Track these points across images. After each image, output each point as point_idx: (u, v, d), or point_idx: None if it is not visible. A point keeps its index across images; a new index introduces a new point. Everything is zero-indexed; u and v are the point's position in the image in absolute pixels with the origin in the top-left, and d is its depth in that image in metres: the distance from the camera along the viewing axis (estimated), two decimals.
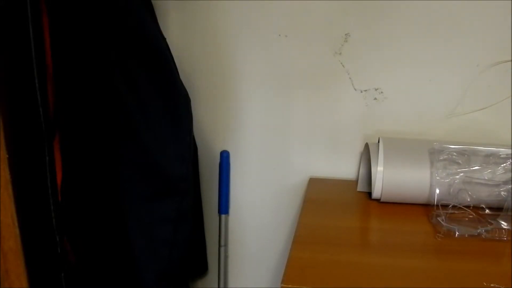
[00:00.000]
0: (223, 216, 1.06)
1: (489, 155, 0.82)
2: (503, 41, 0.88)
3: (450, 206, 0.80)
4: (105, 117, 0.76)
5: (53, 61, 0.73)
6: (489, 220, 0.79)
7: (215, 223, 1.08)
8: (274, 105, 0.99)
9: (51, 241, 0.74)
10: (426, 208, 0.83)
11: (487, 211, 0.81)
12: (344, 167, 1.00)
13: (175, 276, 0.88)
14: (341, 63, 0.94)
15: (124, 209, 0.80)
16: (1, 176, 0.67)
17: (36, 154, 0.71)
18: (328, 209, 0.85)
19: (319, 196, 0.90)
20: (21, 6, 0.65)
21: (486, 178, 0.80)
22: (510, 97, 0.91)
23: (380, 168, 0.83)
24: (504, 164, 0.81)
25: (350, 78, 0.95)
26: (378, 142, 0.88)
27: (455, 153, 0.82)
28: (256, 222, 1.08)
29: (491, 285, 0.63)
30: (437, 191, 0.80)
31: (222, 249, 1.08)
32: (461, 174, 0.81)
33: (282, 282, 0.62)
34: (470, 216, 0.80)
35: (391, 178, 0.83)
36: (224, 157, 1.02)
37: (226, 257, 1.09)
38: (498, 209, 0.80)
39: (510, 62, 0.90)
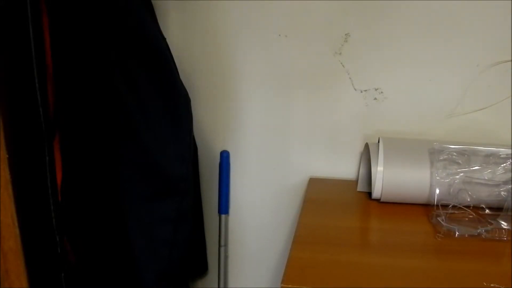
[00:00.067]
0: (223, 216, 1.06)
1: (489, 155, 0.82)
2: (503, 41, 0.88)
3: (450, 206, 0.80)
4: (105, 117, 0.76)
5: (53, 61, 0.73)
6: (489, 220, 0.79)
7: (215, 223, 1.08)
8: (274, 105, 0.99)
9: (51, 241, 0.74)
10: (426, 208, 0.83)
11: (487, 211, 0.81)
12: (344, 167, 1.00)
13: (175, 276, 0.88)
14: (341, 63, 0.94)
15: (124, 209, 0.80)
16: (1, 176, 0.67)
17: (36, 154, 0.71)
18: (328, 209, 0.85)
19: (319, 196, 0.90)
20: (21, 6, 0.65)
21: (486, 178, 0.80)
22: (510, 97, 0.91)
23: (380, 168, 0.83)
24: (504, 164, 0.81)
25: (350, 78, 0.95)
26: (378, 142, 0.88)
27: (455, 153, 0.82)
28: (256, 222, 1.08)
29: (491, 285, 0.63)
30: (437, 191, 0.81)
31: (222, 249, 1.08)
32: (461, 174, 0.81)
33: (282, 282, 0.62)
34: (470, 216, 0.80)
35: (391, 178, 0.83)
36: (224, 157, 1.02)
37: (226, 257, 1.09)
38: (498, 209, 0.80)
39: (510, 62, 0.90)
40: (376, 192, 0.85)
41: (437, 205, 0.80)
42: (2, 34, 0.65)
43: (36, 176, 0.71)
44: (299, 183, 1.03)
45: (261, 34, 0.95)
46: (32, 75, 0.68)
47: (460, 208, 0.80)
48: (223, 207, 1.05)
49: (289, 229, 1.06)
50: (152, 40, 0.79)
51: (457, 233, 0.75)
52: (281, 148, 1.02)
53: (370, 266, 0.67)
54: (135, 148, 0.79)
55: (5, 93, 0.67)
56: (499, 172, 0.80)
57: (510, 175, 0.80)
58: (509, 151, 0.83)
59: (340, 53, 0.94)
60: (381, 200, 0.85)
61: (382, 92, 0.95)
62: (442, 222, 0.77)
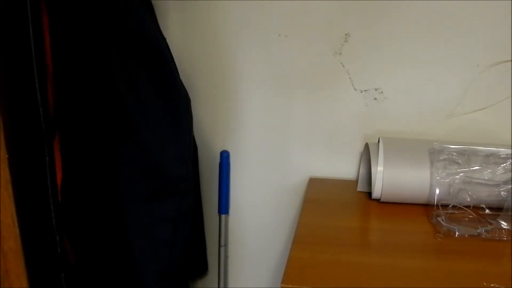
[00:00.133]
0: (223, 216, 1.06)
1: (489, 155, 0.82)
2: (503, 41, 0.88)
3: (450, 206, 0.80)
4: (105, 117, 0.76)
5: (53, 61, 0.73)
6: (489, 220, 0.79)
7: (215, 223, 1.08)
8: (274, 105, 0.99)
9: (51, 241, 0.74)
10: (426, 208, 0.83)
11: (487, 211, 0.81)
12: (344, 167, 1.00)
13: (175, 276, 0.88)
14: (341, 63, 0.94)
15: (124, 209, 0.80)
16: (1, 176, 0.67)
17: (36, 154, 0.71)
18: (328, 209, 0.85)
19: (319, 196, 0.90)
20: (21, 6, 0.65)
21: (486, 178, 0.80)
22: (510, 97, 0.91)
23: (380, 168, 0.83)
24: (504, 164, 0.81)
25: (350, 78, 0.95)
26: (378, 142, 0.88)
27: (455, 153, 0.82)
28: (256, 222, 1.08)
29: (491, 285, 0.63)
30: (437, 191, 0.80)
31: (222, 249, 1.08)
32: (461, 174, 0.81)
33: (282, 282, 0.62)
34: (470, 216, 0.80)
35: (391, 178, 0.83)
36: (224, 157, 1.02)
37: (226, 257, 1.09)
38: (498, 209, 0.80)
39: (510, 62, 0.90)
40: (376, 192, 0.85)
41: (437, 205, 0.80)
42: (2, 34, 0.65)
43: (36, 176, 0.71)
44: (299, 183, 1.03)
45: (261, 34, 0.95)
46: (32, 75, 0.68)
47: (460, 208, 0.80)
48: (223, 207, 1.05)
49: (289, 229, 1.06)
50: (152, 40, 0.79)
51: (457, 233, 0.75)
52: (281, 148, 1.02)
53: (370, 266, 0.67)
54: (135, 148, 0.79)
55: (5, 93, 0.67)
56: (499, 172, 0.80)
57: (510, 175, 0.80)
58: (509, 151, 0.83)
59: (340, 53, 0.94)
60: (381, 200, 0.85)
61: (382, 92, 0.95)
62: (442, 222, 0.77)
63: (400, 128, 0.96)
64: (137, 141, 0.79)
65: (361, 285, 0.63)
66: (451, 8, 0.88)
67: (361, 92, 0.95)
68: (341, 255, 0.69)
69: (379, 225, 0.82)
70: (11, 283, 0.71)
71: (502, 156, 0.82)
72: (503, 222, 0.77)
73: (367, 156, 0.93)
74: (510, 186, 0.79)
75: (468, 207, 0.80)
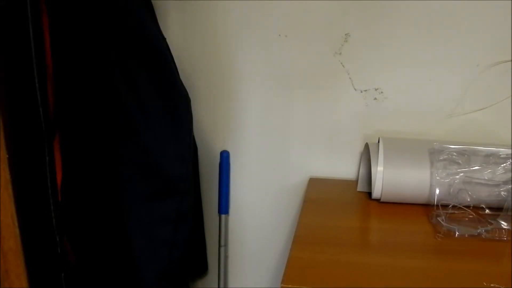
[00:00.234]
0: (223, 216, 1.06)
1: (489, 155, 0.82)
2: (503, 41, 0.88)
3: (450, 206, 0.80)
4: (105, 117, 0.76)
5: (53, 61, 0.73)
6: (489, 220, 0.79)
7: (215, 223, 1.08)
8: (274, 105, 0.99)
9: (51, 241, 0.74)
10: (426, 208, 0.83)
11: (487, 211, 0.81)
12: (344, 167, 1.00)
13: (175, 276, 0.88)
14: (341, 63, 0.94)
15: (124, 209, 0.80)
16: (1, 176, 0.67)
17: (36, 154, 0.71)
18: (328, 209, 0.85)
19: (319, 196, 0.90)
20: (21, 6, 0.65)
21: (486, 178, 0.80)
22: (510, 97, 0.91)
23: (380, 168, 0.83)
24: (504, 164, 0.81)
25: (350, 78, 0.95)
26: (378, 142, 0.88)
27: (455, 153, 0.82)
28: (256, 222, 1.08)
29: (491, 285, 0.63)
30: (437, 191, 0.80)
31: (222, 249, 1.08)
32: (461, 174, 0.81)
33: (282, 282, 0.62)
34: (470, 216, 0.80)
35: (391, 178, 0.83)
36: (224, 157, 1.02)
37: (226, 257, 1.09)
38: (498, 209, 0.80)
39: (510, 62, 0.90)
40: (376, 192, 0.85)
41: (437, 205, 0.80)
42: (2, 34, 0.65)
43: (36, 176, 0.71)
44: (299, 183, 1.03)
45: (261, 34, 0.95)
46: (32, 75, 0.68)
47: (460, 208, 0.80)
48: (223, 207, 1.05)
49: (289, 229, 1.06)
50: (152, 40, 0.79)
51: (457, 233, 0.75)
52: (281, 148, 1.02)
53: (370, 266, 0.67)
54: (135, 148, 0.79)
55: (5, 93, 0.67)
56: (499, 172, 0.80)
57: (510, 175, 0.80)
58: (509, 151, 0.83)
59: (340, 53, 0.94)
60: (381, 200, 0.85)
61: (382, 92, 0.95)
62: (442, 222, 0.77)
63: (400, 128, 0.96)
64: (137, 141, 0.79)
65: (361, 285, 0.63)
66: (451, 8, 0.88)
67: (361, 92, 0.95)
68: (341, 255, 0.69)
69: (379, 225, 0.82)
70: (11, 283, 0.71)
71: (502, 156, 0.82)
72: (503, 222, 0.77)
73: (367, 156, 0.93)
74: (510, 186, 0.79)
75: (468, 207, 0.80)
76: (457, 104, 0.93)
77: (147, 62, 0.78)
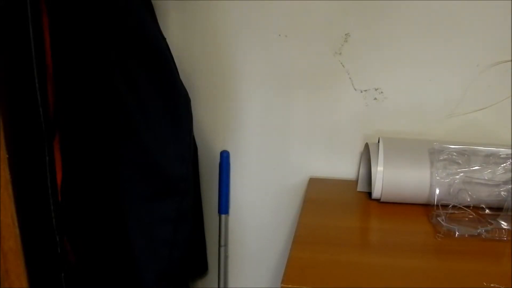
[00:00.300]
0: (223, 216, 1.06)
1: (489, 155, 0.82)
2: (503, 41, 0.88)
3: (450, 206, 0.80)
4: (105, 117, 0.76)
5: (53, 61, 0.73)
6: (489, 220, 0.79)
7: (215, 223, 1.08)
8: (274, 105, 0.99)
9: (51, 241, 0.74)
10: (426, 208, 0.83)
11: (487, 211, 0.81)
12: (344, 167, 1.00)
13: (175, 276, 0.88)
14: (341, 63, 0.94)
15: (124, 209, 0.80)
16: (1, 176, 0.67)
17: (36, 154, 0.71)
18: (328, 209, 0.85)
19: (319, 196, 0.90)
20: (21, 6, 0.65)
21: (486, 178, 0.80)
22: (510, 97, 0.91)
23: (380, 168, 0.83)
24: (504, 164, 0.81)
25: (350, 78, 0.95)
26: (378, 142, 0.88)
27: (455, 153, 0.82)
28: (256, 222, 1.08)
29: (491, 285, 0.63)
30: (437, 191, 0.80)
31: (222, 249, 1.08)
32: (461, 174, 0.81)
33: (282, 282, 0.62)
34: (470, 216, 0.80)
35: (391, 178, 0.83)
36: (224, 157, 1.02)
37: (226, 257, 1.09)
38: (498, 209, 0.80)
39: (510, 62, 0.90)
40: (376, 192, 0.85)
41: (437, 205, 0.80)
42: (2, 34, 0.65)
43: (36, 176, 0.71)
44: (299, 183, 1.03)
45: (261, 34, 0.95)
46: (32, 75, 0.68)
47: (460, 208, 0.80)
48: (223, 207, 1.05)
49: (289, 229, 1.06)
50: (152, 40, 0.79)
51: (457, 233, 0.75)
52: (281, 148, 1.02)
53: (370, 266, 0.67)
54: (135, 148, 0.79)
55: (5, 93, 0.67)
56: (499, 172, 0.80)
57: (510, 175, 0.80)
58: (509, 151, 0.83)
59: (340, 53, 0.94)
60: (381, 200, 0.85)
61: (382, 92, 0.95)
62: (442, 222, 0.77)
63: (400, 128, 0.96)
64: (137, 141, 0.79)
65: (361, 285, 0.63)
66: (451, 8, 0.88)
67: (361, 92, 0.95)
68: (341, 255, 0.69)
69: (379, 225, 0.82)
70: (11, 283, 0.71)
71: (502, 156, 0.82)
72: (503, 222, 0.77)
73: (367, 156, 0.93)
74: (510, 186, 0.79)
75: (468, 207, 0.80)
76: (457, 104, 0.93)
77: (147, 62, 0.78)
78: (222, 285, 1.11)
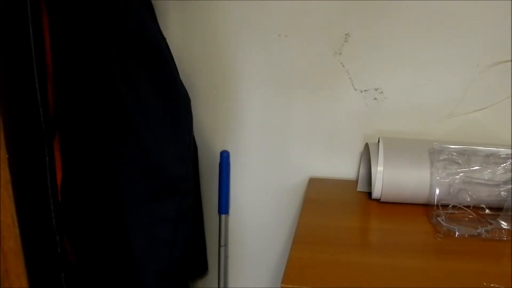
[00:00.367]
0: (223, 216, 1.06)
1: (489, 155, 0.82)
2: (503, 41, 0.88)
3: (450, 206, 0.80)
4: (105, 117, 0.76)
5: (53, 61, 0.73)
6: (489, 220, 0.79)
7: (215, 223, 1.08)
8: (274, 105, 0.99)
9: (51, 241, 0.74)
10: (426, 208, 0.83)
11: (487, 211, 0.81)
12: (344, 167, 1.00)
13: (175, 276, 0.88)
14: (341, 63, 0.94)
15: (124, 209, 0.80)
16: (1, 176, 0.67)
17: (36, 154, 0.71)
18: (328, 209, 0.85)
19: (319, 196, 0.90)
20: (21, 6, 0.65)
21: (486, 178, 0.80)
22: (510, 97, 0.91)
23: (380, 168, 0.83)
24: (504, 164, 0.81)
25: (350, 78, 0.95)
26: (378, 142, 0.88)
27: (455, 153, 0.82)
28: (256, 222, 1.08)
29: (491, 285, 0.63)
30: (437, 191, 0.80)
31: (222, 249, 1.08)
32: (461, 174, 0.81)
33: (282, 282, 0.62)
34: (470, 216, 0.80)
35: (391, 178, 0.83)
36: (224, 157, 1.02)
37: (226, 257, 1.09)
38: (498, 209, 0.80)
39: (510, 62, 0.90)
40: (376, 192, 0.85)
41: (437, 205, 0.80)
42: (2, 34, 0.65)
43: (36, 176, 0.71)
44: (299, 183, 1.03)
45: (261, 34, 0.95)
46: (32, 75, 0.68)
47: (460, 208, 0.80)
48: (223, 207, 1.05)
49: (289, 229, 1.06)
50: (152, 40, 0.79)
51: (457, 233, 0.75)
52: (281, 148, 1.02)
53: (370, 266, 0.67)
54: (135, 148, 0.79)
55: (5, 93, 0.67)
56: (499, 172, 0.80)
57: (510, 175, 0.80)
58: (509, 151, 0.83)
59: (340, 53, 0.94)
60: (381, 200, 0.85)
61: (382, 92, 0.95)
62: (442, 222, 0.77)
63: (400, 128, 0.96)
64: (137, 141, 0.79)
65: (361, 285, 0.63)
66: (451, 8, 0.88)
67: (361, 92, 0.95)
68: (341, 255, 0.69)
69: (379, 225, 0.82)
70: (11, 283, 0.71)
71: (502, 156, 0.82)
72: (503, 222, 0.77)
73: (367, 156, 0.93)
74: (510, 186, 0.79)
75: (468, 207, 0.80)
76: (457, 104, 0.93)
77: (147, 62, 0.78)
78: (222, 285, 1.11)
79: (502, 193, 0.80)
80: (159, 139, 0.81)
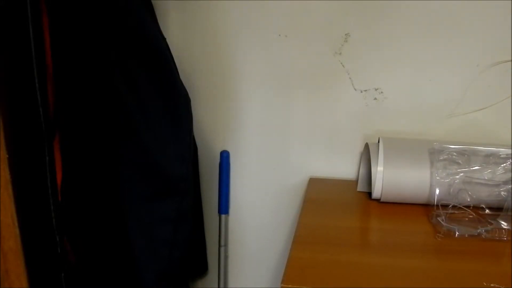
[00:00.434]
0: (223, 216, 1.06)
1: (489, 155, 0.82)
2: (503, 41, 0.88)
3: (450, 206, 0.80)
4: (105, 117, 0.76)
5: (53, 61, 0.73)
6: (489, 220, 0.79)
7: (215, 223, 1.08)
8: (274, 105, 0.99)
9: (51, 241, 0.74)
10: (426, 208, 0.83)
11: (487, 211, 0.81)
12: (344, 167, 1.00)
13: (175, 276, 0.88)
14: (341, 63, 0.94)
15: (124, 209, 0.80)
16: (1, 176, 0.67)
17: (36, 154, 0.71)
18: (328, 209, 0.85)
19: (319, 196, 0.90)
20: (21, 6, 0.65)
21: (486, 178, 0.80)
22: (510, 97, 0.91)
23: (380, 168, 0.83)
24: (504, 164, 0.81)
25: (350, 78, 0.95)
26: (378, 142, 0.88)
27: (455, 153, 0.82)
28: (256, 222, 1.08)
29: (491, 285, 0.63)
30: (437, 191, 0.80)
31: (222, 249, 1.08)
32: (461, 174, 0.81)
33: (282, 282, 0.62)
34: (470, 216, 0.80)
35: (391, 178, 0.83)
36: (224, 157, 1.02)
37: (226, 257, 1.09)
38: (498, 209, 0.80)
39: (510, 62, 0.90)
40: (376, 192, 0.85)
41: (437, 205, 0.80)
42: (2, 34, 0.65)
43: (36, 176, 0.71)
44: (299, 183, 1.03)
45: (261, 34, 0.95)
46: (32, 75, 0.68)
47: (460, 208, 0.80)
48: (223, 207, 1.05)
49: (289, 229, 1.06)
50: (152, 40, 0.79)
51: (457, 233, 0.75)
52: (281, 148, 1.02)
53: (370, 266, 0.67)
54: (135, 148, 0.79)
55: (5, 93, 0.67)
56: (499, 172, 0.80)
57: (510, 175, 0.80)
58: (509, 151, 0.83)
59: (340, 53, 0.94)
60: (381, 200, 0.85)
61: (382, 92, 0.95)
62: (442, 222, 0.77)
63: (400, 128, 0.96)
64: (137, 141, 0.79)
65: (361, 285, 0.63)
66: (451, 8, 0.88)
67: (361, 92, 0.95)
68: (341, 255, 0.69)
69: (379, 225, 0.82)
70: (11, 283, 0.71)
71: (502, 156, 0.82)
72: (503, 222, 0.77)
73: (367, 156, 0.93)
74: (510, 186, 0.79)
75: (468, 207, 0.80)
76: (457, 104, 0.93)
77: (147, 62, 0.78)
78: (222, 285, 1.11)
79: (502, 193, 0.80)
80: (159, 139, 0.81)
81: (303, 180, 1.02)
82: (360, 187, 0.93)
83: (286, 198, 1.05)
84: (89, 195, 0.79)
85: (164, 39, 0.85)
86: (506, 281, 0.64)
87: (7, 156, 0.67)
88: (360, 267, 0.67)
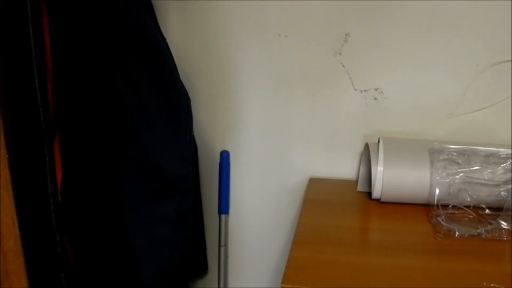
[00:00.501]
0: (223, 216, 1.06)
1: (489, 155, 0.82)
2: (503, 41, 0.88)
3: (450, 206, 0.80)
4: (105, 117, 0.76)
5: (53, 61, 0.73)
6: (489, 220, 0.79)
7: (215, 223, 1.08)
8: (274, 105, 0.99)
9: (51, 241, 0.74)
10: (426, 208, 0.83)
11: (487, 211, 0.81)
12: (344, 167, 1.00)
13: (175, 276, 0.88)
14: (341, 63, 0.94)
15: (124, 209, 0.80)
16: (1, 176, 0.67)
17: (36, 154, 0.71)
18: (328, 209, 0.85)
19: (319, 196, 0.90)
20: (21, 6, 0.65)
21: (486, 178, 0.80)
22: (510, 97, 0.91)
23: (380, 168, 0.83)
24: (504, 164, 0.81)
25: (350, 78, 0.95)
26: (378, 142, 0.88)
27: (455, 153, 0.82)
28: (256, 222, 1.08)
29: (491, 285, 0.63)
30: (437, 191, 0.80)
31: (222, 249, 1.08)
32: (461, 174, 0.81)
33: (282, 282, 0.62)
34: (470, 216, 0.80)
35: (391, 178, 0.83)
36: (224, 157, 1.02)
37: (226, 257, 1.09)
38: (498, 209, 0.80)
39: (510, 62, 0.90)
40: (376, 192, 0.85)
41: (437, 205, 0.80)
42: (2, 34, 0.65)
43: (36, 176, 0.71)
44: (299, 183, 1.03)
45: (261, 34, 0.95)
46: (32, 75, 0.68)
47: (460, 208, 0.80)
48: (223, 207, 1.05)
49: (289, 229, 1.06)
50: (152, 40, 0.79)
51: (457, 233, 0.75)
52: (281, 148, 1.02)
53: (370, 266, 0.67)
54: (135, 148, 0.79)
55: (5, 93, 0.67)
56: (499, 172, 0.80)
57: (510, 175, 0.80)
58: (509, 151, 0.83)
59: (340, 53, 0.94)
60: (381, 200, 0.85)
61: (382, 92, 0.95)
62: (442, 222, 0.77)
63: (400, 128, 0.96)
64: (137, 141, 0.79)
65: (361, 285, 0.63)
66: (451, 8, 0.88)
67: (361, 92, 0.95)
68: (341, 255, 0.69)
69: (379, 225, 0.82)
70: (11, 283, 0.71)
71: (502, 156, 0.82)
72: (503, 222, 0.77)
73: (367, 156, 0.93)
74: (510, 186, 0.79)
75: (468, 207, 0.80)
76: (457, 104, 0.93)
77: (147, 62, 0.78)
78: (222, 285, 1.11)
79: (502, 193, 0.80)
80: (159, 139, 0.81)
81: (303, 180, 1.02)
82: (360, 187, 0.93)
83: (286, 198, 1.05)
84: (89, 195, 0.79)
85: (164, 39, 0.85)
86: (506, 281, 0.64)
87: (7, 156, 0.67)
88: (360, 267, 0.67)
